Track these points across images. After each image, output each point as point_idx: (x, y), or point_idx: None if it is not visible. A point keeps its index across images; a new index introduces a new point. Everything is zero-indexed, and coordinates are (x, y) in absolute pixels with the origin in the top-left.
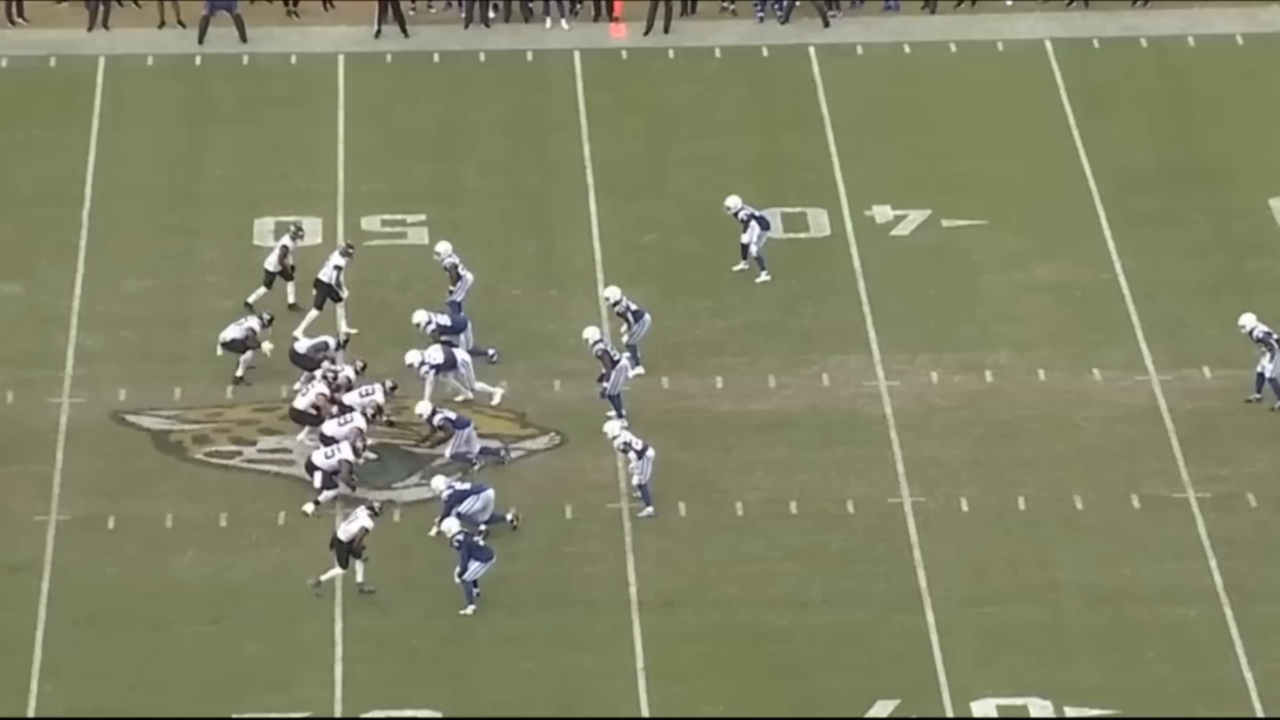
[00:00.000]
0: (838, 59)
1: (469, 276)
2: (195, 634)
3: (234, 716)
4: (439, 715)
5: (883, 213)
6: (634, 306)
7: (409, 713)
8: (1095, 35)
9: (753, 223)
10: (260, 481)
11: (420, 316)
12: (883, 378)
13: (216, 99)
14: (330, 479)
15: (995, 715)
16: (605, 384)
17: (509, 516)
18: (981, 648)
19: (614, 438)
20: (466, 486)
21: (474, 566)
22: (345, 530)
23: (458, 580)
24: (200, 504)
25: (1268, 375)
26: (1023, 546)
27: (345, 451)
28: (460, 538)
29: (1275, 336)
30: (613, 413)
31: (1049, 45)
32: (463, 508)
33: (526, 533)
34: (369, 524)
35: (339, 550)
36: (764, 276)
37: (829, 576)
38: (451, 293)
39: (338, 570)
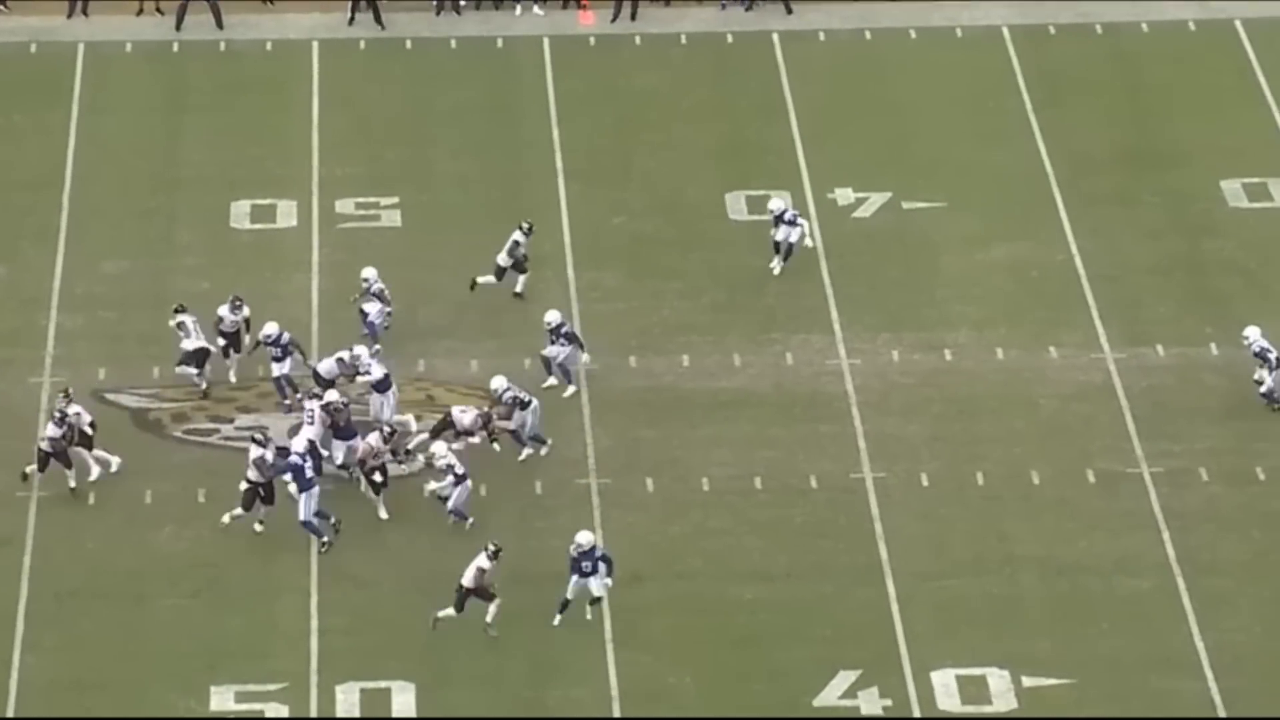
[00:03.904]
0: (800, 45)
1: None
2: (174, 607)
3: (212, 687)
4: (413, 686)
5: (844, 195)
6: (574, 333)
7: (384, 683)
8: (1051, 22)
9: (795, 224)
10: (237, 458)
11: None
12: (845, 356)
13: (193, 85)
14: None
15: (954, 685)
16: (518, 426)
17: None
18: (941, 619)
19: (440, 458)
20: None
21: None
22: (466, 576)
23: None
24: (179, 480)
25: (1263, 389)
26: (981, 521)
27: (372, 439)
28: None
29: (1275, 354)
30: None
31: (1006, 32)
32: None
33: (497, 508)
34: (485, 565)
35: (460, 594)
36: (778, 266)
37: (793, 550)
38: (366, 313)
39: (452, 612)
